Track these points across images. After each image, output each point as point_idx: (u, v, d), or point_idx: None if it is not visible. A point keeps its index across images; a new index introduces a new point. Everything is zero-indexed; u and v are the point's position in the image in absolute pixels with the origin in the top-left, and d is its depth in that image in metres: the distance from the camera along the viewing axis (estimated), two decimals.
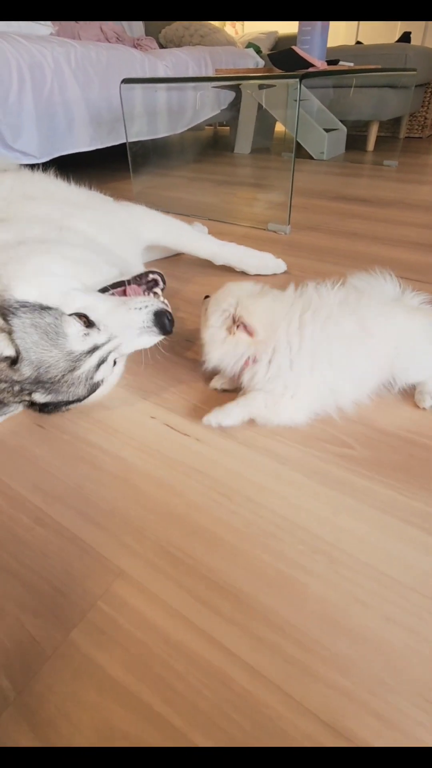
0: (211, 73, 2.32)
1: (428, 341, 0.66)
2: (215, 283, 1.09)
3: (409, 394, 0.69)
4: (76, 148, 1.82)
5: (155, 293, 0.72)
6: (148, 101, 2.09)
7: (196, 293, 1.05)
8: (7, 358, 0.58)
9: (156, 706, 0.37)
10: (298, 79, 1.31)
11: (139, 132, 2.04)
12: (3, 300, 0.58)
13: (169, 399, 0.72)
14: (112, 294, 0.68)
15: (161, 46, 2.76)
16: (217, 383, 0.73)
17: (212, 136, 3.65)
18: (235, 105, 2.60)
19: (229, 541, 0.50)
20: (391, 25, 3.25)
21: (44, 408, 0.65)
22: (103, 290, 0.67)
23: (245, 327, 0.63)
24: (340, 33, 3.50)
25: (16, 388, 0.61)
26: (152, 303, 0.65)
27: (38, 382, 0.60)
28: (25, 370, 0.58)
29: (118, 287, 0.69)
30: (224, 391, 0.72)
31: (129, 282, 0.70)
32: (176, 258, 1.25)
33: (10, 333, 0.57)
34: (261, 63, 2.72)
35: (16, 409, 0.68)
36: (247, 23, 3.97)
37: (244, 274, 1.11)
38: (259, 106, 2.52)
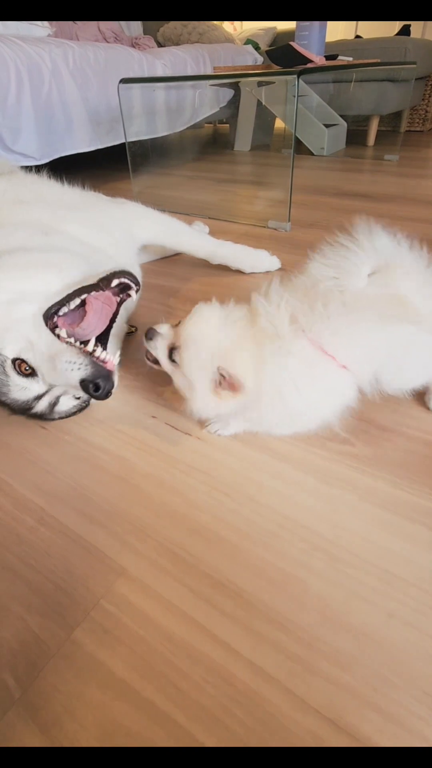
0: (209, 71, 2.31)
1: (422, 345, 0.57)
2: (214, 282, 1.09)
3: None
4: (75, 149, 1.83)
5: (122, 299, 0.64)
6: (147, 100, 2.09)
7: (196, 292, 1.05)
8: None
9: (159, 704, 0.38)
10: (296, 76, 1.30)
11: (138, 131, 2.04)
12: None
13: (169, 399, 0.72)
14: (77, 306, 0.60)
15: (159, 45, 2.75)
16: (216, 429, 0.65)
17: (212, 134, 3.64)
18: (234, 102, 2.59)
19: (230, 540, 0.50)
20: None
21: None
22: (61, 304, 0.60)
23: (230, 384, 0.53)
24: (339, 27, 3.47)
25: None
26: (80, 366, 0.58)
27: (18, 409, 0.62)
28: None
29: (75, 297, 0.60)
30: None
31: (97, 286, 0.60)
32: (175, 257, 1.25)
33: None
34: (259, 59, 2.71)
35: None
36: None
37: (239, 272, 1.12)
38: (259, 103, 2.51)
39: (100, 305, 0.60)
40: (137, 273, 0.93)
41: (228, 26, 3.81)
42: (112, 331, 0.64)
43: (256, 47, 2.83)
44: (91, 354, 0.59)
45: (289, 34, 2.58)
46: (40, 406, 0.61)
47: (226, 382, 0.54)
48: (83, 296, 0.59)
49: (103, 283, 0.60)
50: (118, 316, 0.67)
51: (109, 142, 1.94)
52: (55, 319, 0.59)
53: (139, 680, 0.39)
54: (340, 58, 2.00)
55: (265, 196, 1.84)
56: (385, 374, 0.57)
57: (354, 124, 2.75)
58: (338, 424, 0.59)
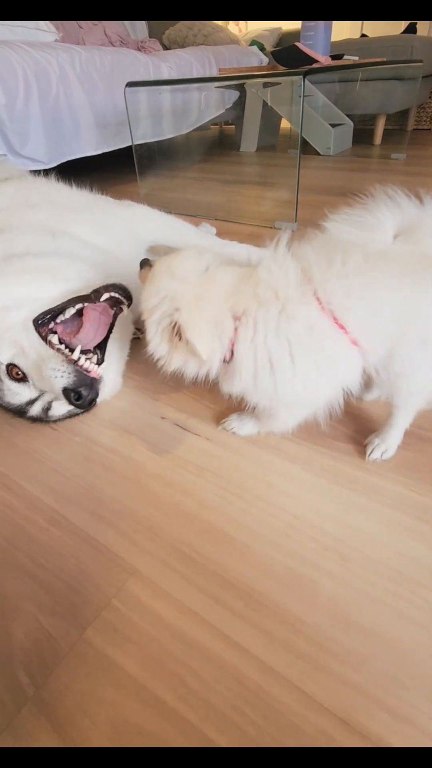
0: (215, 73, 2.32)
1: None
2: None
3: None
4: (83, 153, 1.84)
5: (116, 312, 0.63)
6: (153, 103, 2.10)
7: None
8: None
9: (170, 702, 0.38)
10: (302, 76, 1.30)
11: (144, 134, 2.05)
12: None
13: (179, 399, 0.73)
14: (72, 315, 0.60)
15: (165, 48, 2.77)
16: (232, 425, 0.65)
17: (217, 136, 3.65)
18: (240, 103, 2.60)
19: (240, 540, 0.50)
20: None
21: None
22: (57, 312, 0.60)
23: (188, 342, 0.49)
24: (345, 26, 3.46)
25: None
26: (62, 374, 0.58)
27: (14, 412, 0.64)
28: None
29: (71, 305, 0.60)
30: None
31: (91, 297, 0.60)
32: None
33: None
34: (265, 60, 2.71)
35: None
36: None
37: None
38: (264, 104, 2.51)
39: (97, 315, 0.61)
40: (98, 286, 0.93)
41: (233, 27, 3.82)
42: (118, 336, 0.65)
43: (262, 48, 2.84)
44: (75, 362, 0.59)
45: (295, 35, 2.58)
46: (34, 411, 0.63)
47: (177, 336, 0.50)
48: (78, 306, 0.60)
49: (94, 295, 0.60)
50: (125, 318, 0.67)
51: (116, 145, 1.96)
52: (52, 325, 0.60)
53: (150, 679, 0.40)
54: (345, 57, 1.99)
55: (272, 197, 1.84)
56: (402, 356, 0.48)
57: (360, 123, 2.74)
58: (327, 411, 0.53)
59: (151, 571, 0.48)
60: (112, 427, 0.68)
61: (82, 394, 0.58)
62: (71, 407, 0.64)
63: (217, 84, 2.29)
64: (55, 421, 0.66)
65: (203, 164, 2.54)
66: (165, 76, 2.10)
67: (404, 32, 2.78)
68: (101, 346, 0.61)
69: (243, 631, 0.42)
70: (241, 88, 2.51)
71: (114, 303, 0.62)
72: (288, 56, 1.80)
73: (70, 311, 0.60)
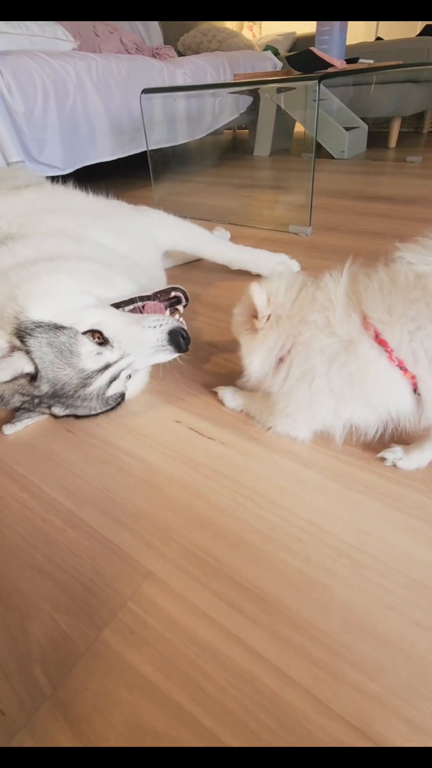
0: (229, 78, 2.33)
1: None
2: (235, 288, 1.10)
3: None
4: (98, 159, 1.87)
5: (176, 310, 0.73)
6: (168, 109, 2.13)
7: (217, 297, 1.06)
8: (27, 374, 0.61)
9: (185, 705, 0.38)
10: (316, 81, 1.30)
11: (159, 140, 2.07)
12: (20, 321, 0.59)
13: (193, 403, 0.73)
14: (131, 309, 0.68)
15: (180, 54, 2.80)
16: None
17: (231, 140, 3.67)
18: (254, 108, 2.61)
19: (253, 544, 0.50)
20: None
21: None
22: (117, 306, 0.67)
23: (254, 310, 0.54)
24: (360, 30, 3.46)
25: (36, 401, 0.64)
26: (167, 322, 0.66)
27: (55, 397, 0.63)
28: (44, 387, 0.61)
29: (130, 304, 0.68)
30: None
31: (151, 297, 0.70)
32: (196, 263, 1.27)
33: (28, 352, 0.59)
34: (279, 65, 2.72)
35: (41, 416, 0.70)
36: (264, 25, 3.98)
37: (259, 276, 1.12)
38: (278, 108, 2.52)
39: (155, 309, 0.71)
40: (162, 278, 0.94)
41: (247, 32, 3.84)
42: None
43: (276, 53, 2.85)
44: (173, 313, 0.72)
45: (309, 39, 2.58)
46: (102, 380, 0.63)
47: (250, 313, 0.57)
48: (138, 304, 0.69)
49: (160, 295, 0.71)
50: None
51: (131, 150, 1.98)
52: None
53: (165, 681, 0.40)
54: (360, 61, 1.99)
55: (286, 201, 1.84)
56: None
57: (375, 126, 2.73)
58: (366, 433, 0.55)
59: (166, 573, 0.48)
60: (127, 430, 0.69)
61: (185, 335, 0.66)
62: (118, 390, 0.66)
63: (231, 90, 2.31)
64: (93, 413, 0.67)
65: (217, 169, 2.55)
66: (180, 82, 2.12)
67: (420, 34, 2.76)
68: None
69: (257, 636, 0.42)
70: (254, 93, 2.52)
71: (175, 303, 0.73)
72: (303, 61, 1.80)
73: (129, 307, 0.68)
